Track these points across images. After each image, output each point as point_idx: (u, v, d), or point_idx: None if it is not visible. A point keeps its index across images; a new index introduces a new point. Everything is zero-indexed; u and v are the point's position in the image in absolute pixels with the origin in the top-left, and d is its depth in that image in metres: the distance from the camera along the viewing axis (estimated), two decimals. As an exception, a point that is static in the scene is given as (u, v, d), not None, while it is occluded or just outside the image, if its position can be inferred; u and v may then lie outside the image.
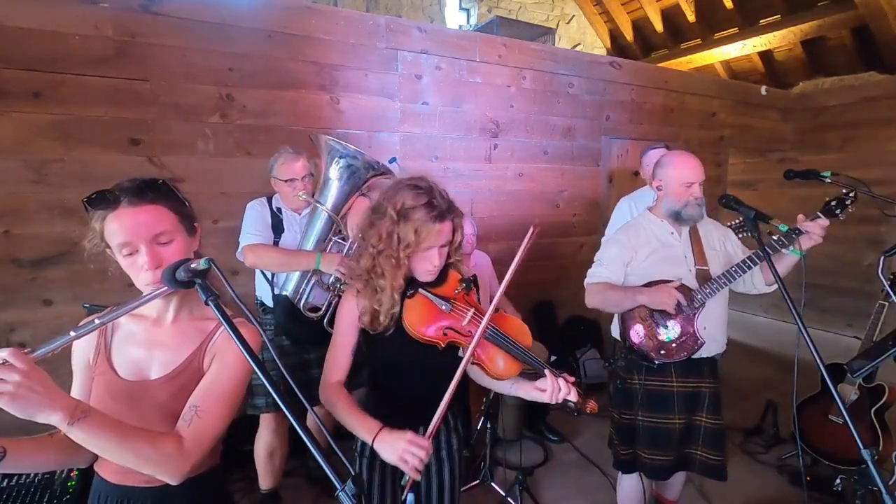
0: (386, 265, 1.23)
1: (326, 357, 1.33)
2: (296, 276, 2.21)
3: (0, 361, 0.77)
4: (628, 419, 1.97)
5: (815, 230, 1.75)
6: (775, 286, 1.85)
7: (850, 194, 1.82)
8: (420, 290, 1.27)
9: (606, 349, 3.87)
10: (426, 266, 1.25)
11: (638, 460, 1.95)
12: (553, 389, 1.24)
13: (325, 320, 2.19)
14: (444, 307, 1.27)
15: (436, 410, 1.19)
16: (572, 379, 1.27)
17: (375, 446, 1.17)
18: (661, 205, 1.96)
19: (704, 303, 1.84)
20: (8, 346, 0.79)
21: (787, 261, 1.85)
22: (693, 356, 1.87)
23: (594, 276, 2.00)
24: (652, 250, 1.93)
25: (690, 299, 1.81)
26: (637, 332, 1.90)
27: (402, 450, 1.12)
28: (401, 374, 1.36)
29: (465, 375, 1.38)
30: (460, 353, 1.31)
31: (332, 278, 2.16)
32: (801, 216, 1.79)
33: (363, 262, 1.27)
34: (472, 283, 1.35)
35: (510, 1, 6.54)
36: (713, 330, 1.89)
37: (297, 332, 2.23)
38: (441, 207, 1.22)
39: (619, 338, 2.01)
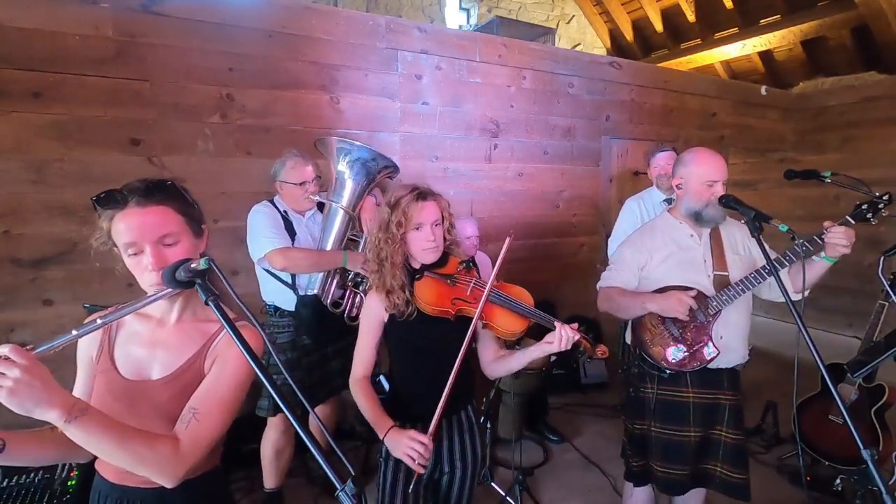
0: (388, 246, 1.42)
1: (355, 353, 1.49)
2: (321, 275, 2.26)
3: (1, 356, 0.78)
4: (640, 429, 1.87)
5: (833, 239, 1.64)
6: (802, 294, 1.76)
7: (884, 197, 1.66)
8: (426, 272, 1.44)
9: (610, 349, 3.87)
10: (422, 244, 1.42)
11: (651, 473, 1.85)
12: (560, 337, 1.34)
13: (346, 314, 2.32)
14: (448, 282, 1.45)
15: (455, 396, 1.35)
16: (575, 325, 1.37)
17: (385, 442, 1.36)
18: (680, 204, 1.86)
19: (720, 310, 1.74)
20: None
21: (816, 267, 1.74)
22: (709, 366, 1.77)
23: (606, 279, 1.91)
24: (668, 254, 1.82)
25: (705, 306, 1.72)
26: (649, 340, 1.80)
27: (404, 445, 1.29)
28: (419, 360, 1.49)
29: (471, 366, 1.52)
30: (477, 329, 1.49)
31: (351, 274, 2.29)
32: (827, 222, 1.68)
33: (372, 254, 1.47)
34: (470, 263, 1.51)
35: (510, 1, 6.54)
36: (731, 339, 1.79)
37: (320, 330, 2.27)
38: (423, 191, 1.44)
39: (631, 344, 1.93)
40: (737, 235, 1.89)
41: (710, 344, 1.75)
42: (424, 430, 1.34)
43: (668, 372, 1.78)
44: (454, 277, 1.46)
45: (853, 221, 1.67)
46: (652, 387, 1.82)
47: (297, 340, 2.28)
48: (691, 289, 1.73)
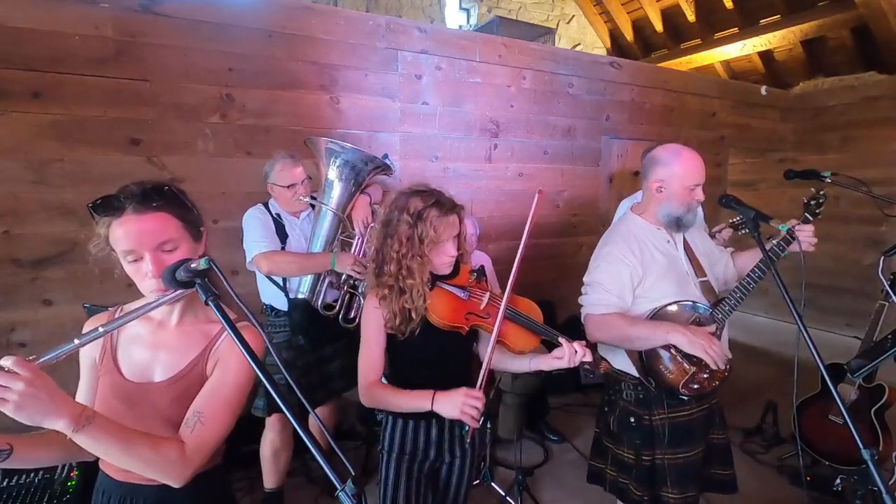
0: (413, 264, 1.33)
1: (360, 361, 1.42)
2: (310, 278, 2.25)
3: (4, 369, 0.78)
4: (648, 460, 1.70)
5: (804, 236, 1.66)
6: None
7: (822, 192, 1.72)
8: (438, 283, 1.39)
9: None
10: (443, 258, 1.37)
11: (661, 502, 1.69)
12: (570, 354, 1.32)
13: (341, 317, 2.28)
14: (462, 295, 1.40)
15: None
16: (584, 343, 1.35)
17: (435, 407, 1.30)
18: (657, 209, 1.71)
19: (725, 323, 1.66)
20: (8, 347, 0.80)
21: (753, 257, 1.77)
22: None
23: (597, 305, 1.66)
24: (662, 269, 1.67)
25: (711, 321, 1.63)
26: (664, 369, 1.63)
27: (461, 402, 1.26)
28: (421, 369, 1.45)
29: (471, 368, 1.50)
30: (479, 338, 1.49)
31: (343, 276, 2.25)
32: (792, 221, 1.70)
33: (389, 269, 1.36)
34: (481, 272, 1.47)
35: (510, 1, 6.54)
36: (726, 346, 1.72)
37: (314, 332, 2.26)
38: (448, 203, 1.37)
39: (632, 372, 1.72)
40: (695, 235, 1.83)
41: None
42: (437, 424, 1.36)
43: (686, 398, 1.65)
44: (468, 290, 1.42)
45: (811, 218, 1.70)
46: (660, 412, 1.67)
47: (293, 341, 2.27)
48: (682, 302, 1.65)
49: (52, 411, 0.80)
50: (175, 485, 0.95)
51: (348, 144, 2.26)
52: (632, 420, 1.72)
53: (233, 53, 2.68)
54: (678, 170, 1.67)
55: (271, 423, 2.29)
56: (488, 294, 1.43)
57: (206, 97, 2.65)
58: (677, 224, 1.70)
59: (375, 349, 1.41)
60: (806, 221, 1.69)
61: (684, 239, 1.78)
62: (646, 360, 1.64)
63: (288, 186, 2.20)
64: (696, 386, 1.62)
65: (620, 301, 1.65)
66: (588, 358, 1.32)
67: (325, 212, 2.24)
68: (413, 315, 1.35)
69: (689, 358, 1.61)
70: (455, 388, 1.30)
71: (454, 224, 1.37)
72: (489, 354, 1.34)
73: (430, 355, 1.43)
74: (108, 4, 2.39)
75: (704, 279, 1.74)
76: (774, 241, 1.69)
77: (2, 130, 2.26)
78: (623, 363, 1.73)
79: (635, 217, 1.78)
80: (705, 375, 1.62)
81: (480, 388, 1.29)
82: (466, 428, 1.34)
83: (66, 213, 2.39)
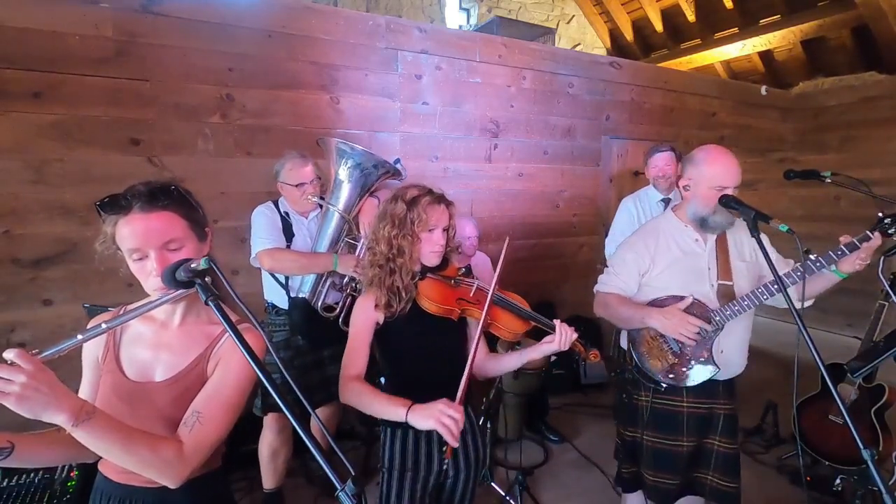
0: (404, 242, 1.40)
1: (344, 354, 1.43)
2: (312, 278, 2.25)
3: (7, 362, 0.78)
4: (632, 436, 1.82)
5: (861, 253, 1.55)
6: (810, 302, 1.70)
7: None
8: (428, 274, 1.46)
9: (606, 349, 3.87)
10: (432, 246, 1.43)
11: (641, 480, 1.81)
12: (560, 335, 1.39)
13: (341, 319, 2.26)
14: (451, 283, 1.48)
15: (454, 396, 1.26)
16: (573, 328, 1.43)
17: (409, 418, 1.23)
18: (686, 207, 1.73)
19: (723, 325, 1.64)
20: (8, 346, 0.80)
21: (825, 280, 1.67)
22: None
23: (604, 284, 1.82)
24: (672, 260, 1.71)
25: (707, 319, 1.61)
26: (646, 353, 1.72)
27: (437, 412, 1.18)
28: (418, 359, 1.47)
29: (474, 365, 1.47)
30: (469, 329, 1.54)
31: (346, 279, 2.24)
32: (845, 237, 1.58)
33: (380, 249, 1.42)
34: (468, 269, 1.57)
35: (510, 1, 6.54)
36: (731, 353, 1.71)
37: (313, 333, 2.26)
38: (439, 194, 1.48)
39: (626, 350, 1.86)
40: (744, 239, 1.79)
41: (711, 359, 1.66)
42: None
43: (663, 386, 1.72)
44: (457, 280, 1.49)
45: (872, 235, 1.56)
46: (646, 395, 1.76)
47: (292, 340, 2.27)
48: (684, 297, 1.64)
49: (53, 405, 0.80)
50: (171, 485, 0.94)
51: (359, 147, 2.26)
52: (624, 397, 1.86)
53: (233, 53, 2.68)
54: (706, 171, 1.68)
55: (269, 423, 2.29)
56: (476, 283, 1.51)
57: (206, 97, 2.65)
58: (702, 224, 1.70)
59: (359, 344, 1.42)
60: (865, 239, 1.55)
61: (724, 241, 1.75)
62: (633, 340, 1.79)
63: (297, 185, 2.21)
64: (672, 376, 1.70)
65: (625, 285, 1.78)
66: (574, 336, 1.40)
67: (332, 213, 2.24)
68: (403, 294, 1.39)
69: (671, 349, 1.69)
70: (433, 401, 1.23)
71: (444, 214, 1.44)
72: (477, 338, 1.35)
73: (422, 342, 1.45)
74: (108, 4, 2.39)
75: (727, 283, 1.70)
76: (813, 257, 1.58)
77: (2, 130, 2.26)
78: (625, 343, 1.87)
79: (669, 214, 1.84)
80: (685, 369, 1.68)
81: (460, 401, 1.23)
82: (444, 448, 1.29)
83: (66, 213, 2.39)
